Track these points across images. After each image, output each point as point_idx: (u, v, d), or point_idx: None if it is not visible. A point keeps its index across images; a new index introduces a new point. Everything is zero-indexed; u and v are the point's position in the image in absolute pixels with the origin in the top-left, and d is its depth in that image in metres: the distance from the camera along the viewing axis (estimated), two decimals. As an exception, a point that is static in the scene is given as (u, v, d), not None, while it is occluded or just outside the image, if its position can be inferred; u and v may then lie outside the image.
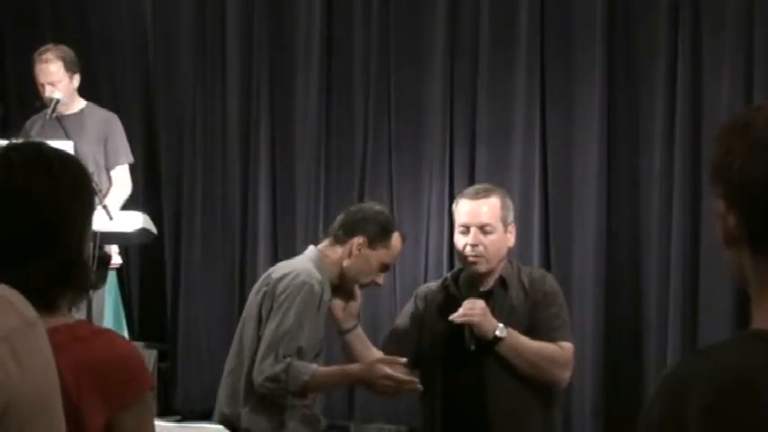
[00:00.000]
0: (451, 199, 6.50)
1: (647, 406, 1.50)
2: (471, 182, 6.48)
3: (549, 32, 6.73)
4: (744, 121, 1.54)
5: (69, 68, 6.60)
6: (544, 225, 6.65)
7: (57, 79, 6.55)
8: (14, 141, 2.28)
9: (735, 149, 1.52)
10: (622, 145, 6.58)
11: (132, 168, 6.81)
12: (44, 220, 2.08)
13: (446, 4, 6.94)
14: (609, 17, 6.58)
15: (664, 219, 6.39)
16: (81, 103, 6.71)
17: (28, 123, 6.67)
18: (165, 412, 7.10)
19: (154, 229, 6.19)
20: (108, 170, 6.64)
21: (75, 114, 6.65)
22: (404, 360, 4.12)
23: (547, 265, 6.41)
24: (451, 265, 6.46)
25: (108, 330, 2.31)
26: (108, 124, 6.70)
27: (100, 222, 5.40)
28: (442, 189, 6.90)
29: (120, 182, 6.66)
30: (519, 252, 4.59)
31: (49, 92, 6.51)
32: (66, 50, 6.63)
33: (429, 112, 6.98)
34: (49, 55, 6.57)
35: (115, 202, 6.32)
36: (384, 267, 4.34)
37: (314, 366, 4.10)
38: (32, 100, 6.74)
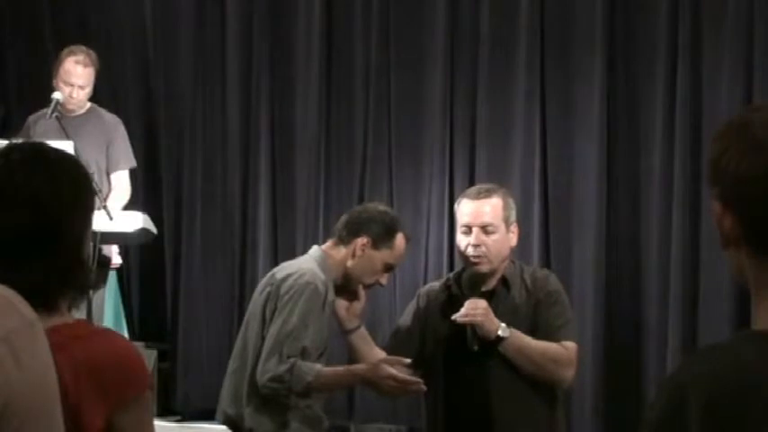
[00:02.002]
0: (451, 199, 6.52)
1: (649, 407, 1.50)
2: (471, 182, 6.48)
3: (549, 32, 6.73)
4: (741, 121, 1.53)
5: (96, 76, 6.62)
6: (544, 225, 6.64)
7: (87, 84, 6.57)
8: (15, 141, 2.28)
9: (732, 150, 1.51)
10: (622, 145, 6.58)
11: (132, 169, 6.80)
12: (44, 220, 2.08)
13: (446, 5, 6.94)
14: (609, 17, 6.58)
15: (664, 219, 6.39)
16: (86, 105, 6.72)
17: (31, 119, 6.67)
18: (165, 412, 7.10)
19: (154, 229, 6.19)
20: (108, 174, 6.63)
21: (80, 116, 6.64)
22: (408, 361, 4.12)
23: (547, 265, 6.41)
24: (451, 265, 6.46)
25: (107, 330, 2.31)
26: (112, 128, 6.70)
27: (100, 222, 5.40)
28: (442, 189, 6.90)
29: (120, 187, 6.65)
30: (519, 252, 4.58)
31: (76, 93, 6.50)
32: (95, 56, 6.62)
33: (429, 112, 6.98)
34: (86, 58, 6.56)
35: (114, 207, 6.31)
36: (388, 268, 4.34)
37: (318, 366, 4.10)
38: (35, 99, 6.75)
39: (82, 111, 6.67)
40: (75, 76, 6.53)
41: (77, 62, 6.53)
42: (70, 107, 6.54)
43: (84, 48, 6.65)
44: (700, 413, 1.43)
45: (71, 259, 2.10)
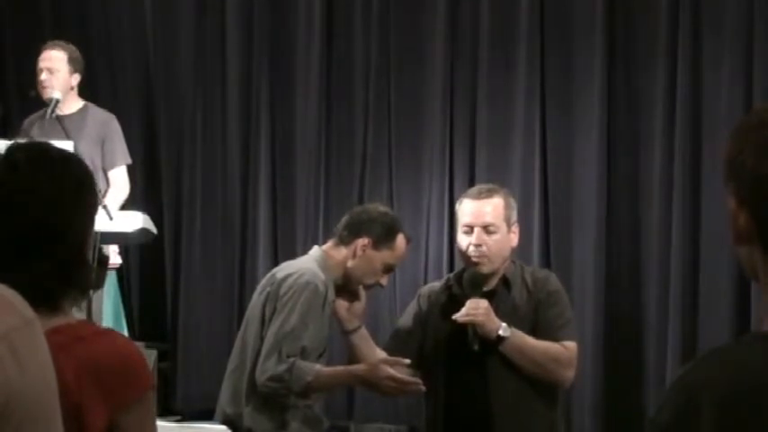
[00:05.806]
0: (451, 199, 6.52)
1: (658, 409, 1.49)
2: (471, 182, 6.48)
3: (548, 32, 6.73)
4: (759, 119, 1.53)
5: (71, 63, 6.61)
6: (544, 225, 6.65)
7: (56, 67, 6.55)
8: (19, 141, 2.29)
9: (748, 148, 1.51)
10: (622, 145, 6.58)
11: (132, 168, 6.79)
12: (47, 220, 2.08)
13: (446, 5, 6.94)
14: (609, 17, 6.58)
15: (664, 219, 6.39)
16: (79, 103, 6.70)
17: (26, 123, 6.66)
18: (165, 412, 7.09)
19: (154, 229, 6.18)
20: (105, 171, 6.63)
21: (73, 114, 6.63)
22: (407, 361, 4.12)
23: (547, 264, 6.41)
24: (452, 265, 6.46)
25: (110, 330, 2.30)
26: (106, 125, 6.69)
27: (100, 222, 5.39)
28: (442, 189, 6.90)
29: (118, 184, 6.64)
30: (519, 252, 4.58)
31: (47, 77, 6.50)
32: (73, 48, 6.66)
33: (429, 111, 6.98)
34: (55, 44, 6.62)
35: (112, 204, 6.31)
36: (388, 268, 4.34)
37: (317, 366, 4.10)
38: (32, 98, 6.75)
39: (75, 109, 6.66)
40: (43, 60, 6.57)
41: (46, 47, 6.63)
42: (44, 93, 6.52)
43: (61, 41, 6.70)
44: (713, 416, 1.42)
45: (74, 259, 2.10)
